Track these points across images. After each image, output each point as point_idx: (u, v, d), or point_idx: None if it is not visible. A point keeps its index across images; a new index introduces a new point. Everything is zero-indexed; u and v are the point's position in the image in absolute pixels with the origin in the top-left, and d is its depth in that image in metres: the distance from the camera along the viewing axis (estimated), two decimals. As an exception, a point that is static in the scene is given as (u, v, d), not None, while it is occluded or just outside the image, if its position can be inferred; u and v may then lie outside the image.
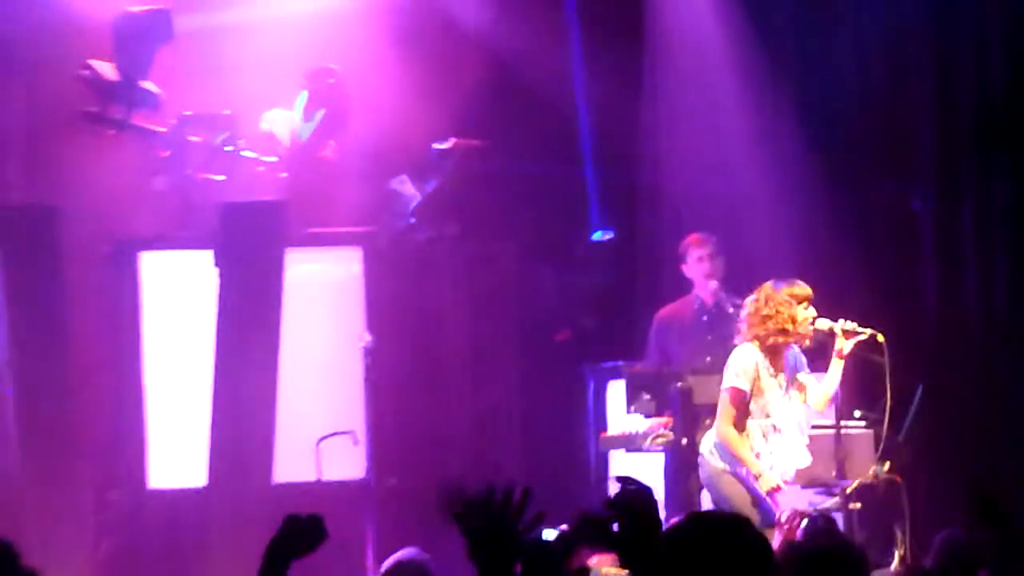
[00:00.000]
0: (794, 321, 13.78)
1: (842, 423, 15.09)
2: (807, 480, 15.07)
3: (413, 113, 17.02)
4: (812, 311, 13.94)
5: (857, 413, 15.53)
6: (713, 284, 15.54)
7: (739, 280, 15.56)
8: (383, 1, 17.38)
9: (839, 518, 14.43)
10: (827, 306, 15.54)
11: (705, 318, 15.58)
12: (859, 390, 15.65)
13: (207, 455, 15.41)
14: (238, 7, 16.87)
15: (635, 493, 6.39)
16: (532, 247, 17.75)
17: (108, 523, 15.52)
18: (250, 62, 16.60)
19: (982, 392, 16.84)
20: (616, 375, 15.98)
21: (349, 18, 17.10)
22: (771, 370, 13.91)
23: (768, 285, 13.99)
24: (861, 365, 15.39)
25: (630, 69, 17.74)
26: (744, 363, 13.88)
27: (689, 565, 5.44)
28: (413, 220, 16.82)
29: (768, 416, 13.89)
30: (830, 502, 14.86)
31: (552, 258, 17.75)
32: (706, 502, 14.36)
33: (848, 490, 14.90)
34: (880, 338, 14.22)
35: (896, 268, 17.58)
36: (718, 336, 15.05)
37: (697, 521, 5.71)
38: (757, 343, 13.88)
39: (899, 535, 15.06)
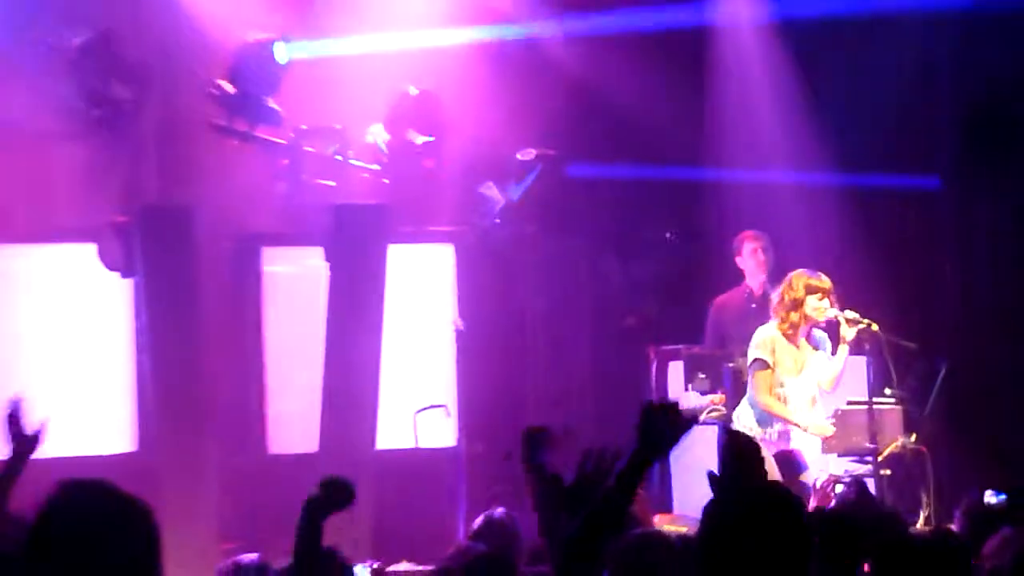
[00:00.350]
0: (808, 307, 14.01)
1: (874, 399, 15.14)
2: (843, 449, 15.23)
3: (499, 127, 17.23)
4: (826, 302, 14.09)
5: (888, 391, 15.57)
6: (760, 277, 15.66)
7: (783, 273, 15.27)
8: (478, 14, 17.22)
9: (871, 483, 14.43)
10: (862, 299, 15.74)
11: (754, 305, 15.60)
12: (894, 371, 15.73)
13: (319, 424, 15.38)
14: (347, 34, 16.79)
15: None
16: (602, 243, 17.86)
17: (234, 484, 15.52)
18: (357, 81, 16.60)
19: (996, 373, 16.94)
20: (675, 356, 16.17)
21: (447, 36, 17.00)
22: (787, 347, 14.11)
23: (794, 274, 14.23)
24: (893, 350, 15.61)
25: (693, 94, 17.64)
26: (762, 338, 14.21)
27: (739, 535, 5.31)
28: (498, 220, 16.92)
29: (782, 386, 14.12)
30: (863, 468, 14.96)
31: (619, 253, 17.74)
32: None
33: (879, 458, 15.02)
34: (875, 327, 14.40)
35: (921, 266, 17.73)
36: (765, 322, 14.85)
37: (748, 494, 5.72)
38: (777, 322, 14.14)
39: (924, 499, 15.19)
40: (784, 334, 14.17)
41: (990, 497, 11.45)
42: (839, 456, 15.26)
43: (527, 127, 17.33)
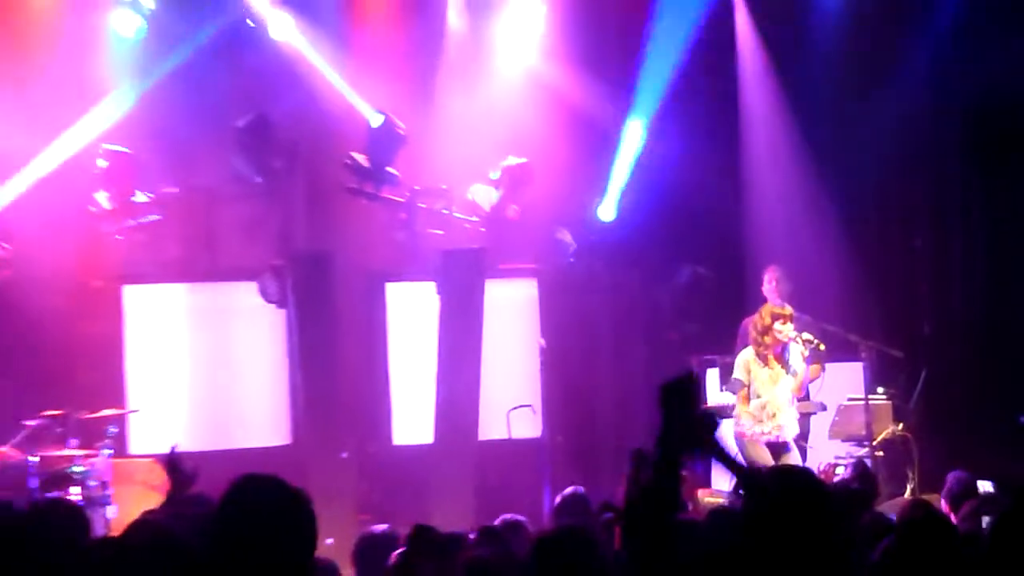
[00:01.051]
0: (772, 332, 14.00)
1: (869, 396, 15.27)
2: (846, 435, 15.39)
3: (572, 184, 17.19)
4: (789, 326, 14.02)
5: (880, 390, 15.64)
6: (779, 301, 14.98)
7: (801, 298, 15.41)
8: (553, 99, 17.22)
9: (868, 462, 14.25)
10: (857, 316, 15.91)
11: None
12: (885, 374, 15.95)
13: (433, 421, 15.30)
14: (450, 114, 16.82)
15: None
16: (652, 275, 17.62)
17: (368, 469, 15.58)
18: (459, 150, 16.58)
19: (966, 374, 16.85)
20: (712, 364, 16.09)
21: (529, 115, 17.05)
22: (760, 364, 14.04)
23: (763, 307, 14.30)
24: (887, 358, 15.82)
25: (727, 152, 17.59)
26: (741, 361, 14.20)
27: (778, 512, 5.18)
28: (571, 260, 16.87)
29: (759, 396, 14.01)
30: (862, 451, 14.98)
31: (666, 283, 17.49)
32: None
33: (874, 443, 15.09)
34: (822, 347, 14.30)
35: (904, 290, 17.57)
36: None
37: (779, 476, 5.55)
38: (753, 347, 14.12)
39: (910, 475, 15.09)
40: (759, 355, 14.10)
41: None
42: (843, 441, 15.40)
43: (592, 184, 17.38)
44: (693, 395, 5.76)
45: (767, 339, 14.08)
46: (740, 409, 14.18)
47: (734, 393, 14.36)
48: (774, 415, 14.08)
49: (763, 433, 14.07)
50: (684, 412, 5.66)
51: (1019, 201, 17.31)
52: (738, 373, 14.23)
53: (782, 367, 14.15)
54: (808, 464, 14.69)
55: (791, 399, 14.27)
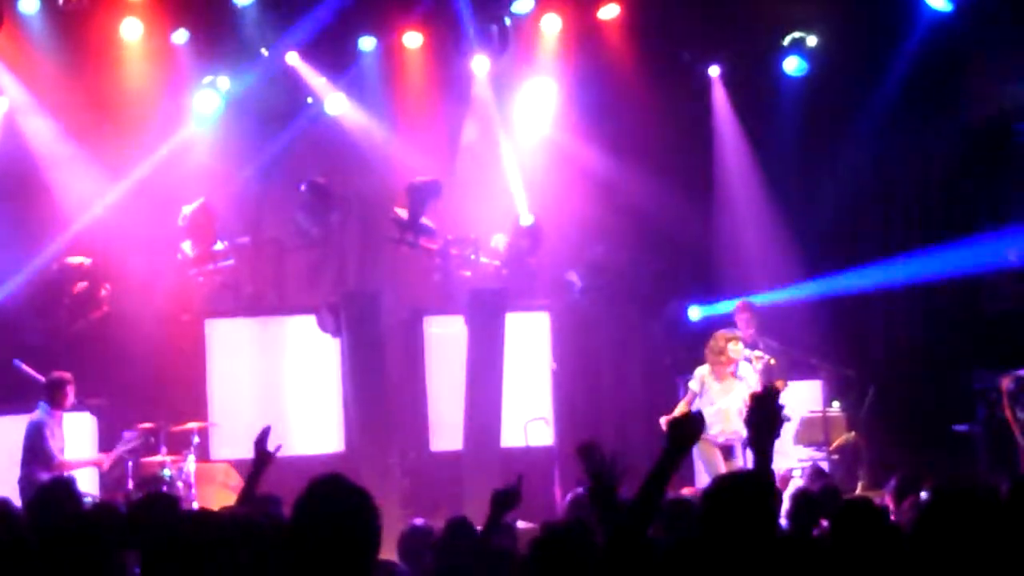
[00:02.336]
0: (727, 352, 13.93)
1: (826, 409, 15.34)
2: (808, 441, 15.33)
3: (578, 231, 17.24)
4: (740, 345, 13.94)
5: (835, 403, 15.69)
6: (750, 331, 15.20)
7: (768, 327, 15.52)
8: (564, 161, 17.12)
9: (825, 464, 14.54)
10: (815, 344, 15.80)
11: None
12: (839, 390, 16.02)
13: (463, 430, 15.24)
14: (477, 173, 16.90)
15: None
16: (646, 310, 17.58)
17: (409, 472, 15.53)
18: (486, 204, 16.64)
19: (908, 392, 16.72)
20: None
21: (544, 174, 17.01)
22: (715, 378, 13.94)
23: (717, 332, 14.15)
24: (841, 376, 15.85)
25: (706, 204, 17.58)
26: (696, 374, 14.05)
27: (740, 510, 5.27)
28: (578, 296, 16.89)
29: (711, 404, 13.87)
30: (820, 455, 15.03)
31: (658, 316, 17.50)
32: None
33: (831, 448, 15.14)
34: (772, 361, 14.33)
35: (856, 319, 17.51)
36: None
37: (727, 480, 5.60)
38: (709, 365, 14.02)
39: (860, 474, 15.14)
40: (713, 371, 13.99)
41: None
42: (805, 446, 15.37)
43: (595, 233, 17.34)
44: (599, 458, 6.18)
45: (722, 358, 13.97)
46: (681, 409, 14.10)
47: (681, 396, 14.37)
48: (727, 420, 13.98)
49: (716, 435, 13.99)
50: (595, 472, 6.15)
51: (951, 248, 17.25)
52: (693, 384, 14.14)
53: (734, 379, 14.10)
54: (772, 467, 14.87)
55: (742, 408, 14.17)
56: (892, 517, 8.73)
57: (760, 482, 5.52)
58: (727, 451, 14.08)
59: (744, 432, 14.09)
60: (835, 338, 16.67)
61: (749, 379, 14.11)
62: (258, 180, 16.21)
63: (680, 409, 14.11)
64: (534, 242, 16.52)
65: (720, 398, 14.06)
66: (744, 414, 13.51)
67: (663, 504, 6.87)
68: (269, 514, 7.37)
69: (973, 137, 16.99)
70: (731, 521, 5.29)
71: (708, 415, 14.04)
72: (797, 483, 12.84)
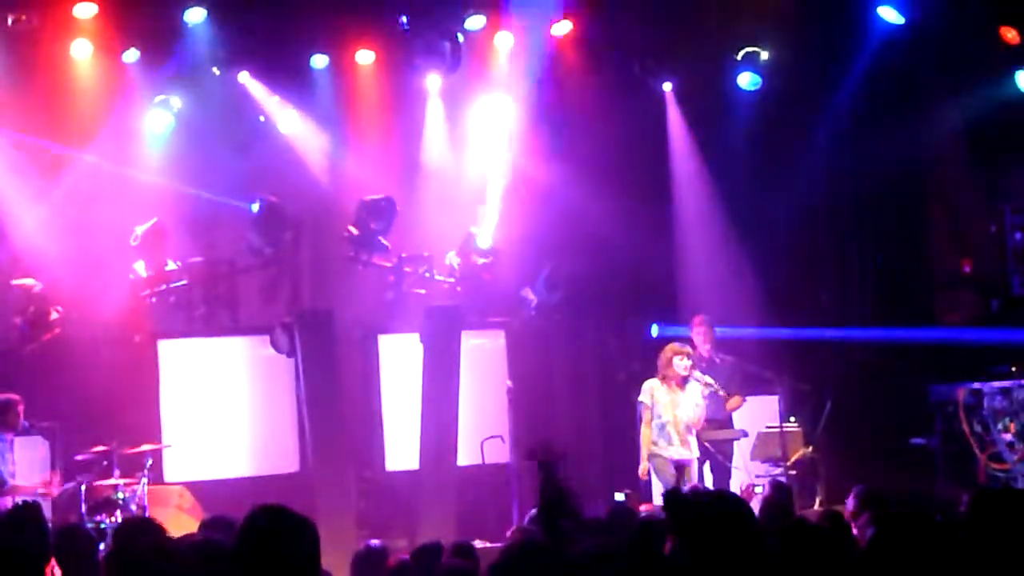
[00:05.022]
0: (672, 365, 14.16)
1: (784, 424, 15.23)
2: (765, 457, 15.30)
3: (533, 247, 17.12)
4: (686, 361, 14.18)
5: (792, 419, 15.64)
6: (707, 346, 15.34)
7: (724, 342, 15.63)
8: (517, 178, 17.07)
9: (783, 479, 14.39)
10: (772, 360, 15.86)
11: (704, 364, 15.03)
12: (796, 406, 15.98)
13: (419, 449, 15.25)
14: (431, 191, 16.83)
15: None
16: (602, 326, 17.68)
17: (365, 491, 15.62)
18: (440, 221, 16.58)
19: (865, 407, 16.85)
20: None
21: (498, 186, 16.95)
22: (664, 391, 14.17)
23: (667, 346, 14.40)
24: (798, 392, 15.87)
25: (661, 220, 17.52)
26: (646, 387, 14.31)
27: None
28: (533, 313, 16.80)
29: (660, 417, 14.11)
30: (777, 470, 15.00)
31: (615, 332, 17.58)
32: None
33: (788, 463, 15.08)
34: (721, 392, 14.62)
35: (814, 340, 17.30)
36: (709, 373, 14.80)
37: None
38: (659, 377, 14.25)
39: (819, 488, 15.13)
40: (663, 382, 14.24)
41: None
42: (762, 462, 15.35)
43: (550, 249, 17.22)
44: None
45: (669, 371, 14.20)
46: (644, 431, 14.27)
47: (640, 417, 14.41)
48: (674, 435, 14.13)
49: (669, 451, 14.15)
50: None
51: (904, 261, 17.61)
52: (643, 397, 14.31)
53: (682, 396, 14.24)
54: (731, 482, 14.88)
55: (691, 424, 14.33)
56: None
57: (732, 498, 5.68)
58: (681, 466, 14.21)
59: (695, 450, 14.32)
60: (791, 353, 16.70)
61: (698, 401, 14.29)
62: (210, 200, 16.09)
63: (644, 428, 14.33)
64: (488, 259, 16.47)
65: (667, 412, 14.24)
66: (693, 429, 13.69)
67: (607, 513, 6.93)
68: (219, 538, 7.34)
69: (926, 150, 17.12)
70: (710, 538, 5.38)
71: (655, 428, 14.20)
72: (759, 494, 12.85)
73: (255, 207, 15.70)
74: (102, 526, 13.22)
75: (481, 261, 16.46)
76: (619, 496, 15.16)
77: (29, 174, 15.51)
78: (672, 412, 14.25)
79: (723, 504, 5.52)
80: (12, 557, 5.88)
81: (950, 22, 15.98)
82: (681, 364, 14.25)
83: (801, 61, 17.00)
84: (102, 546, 10.81)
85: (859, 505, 10.04)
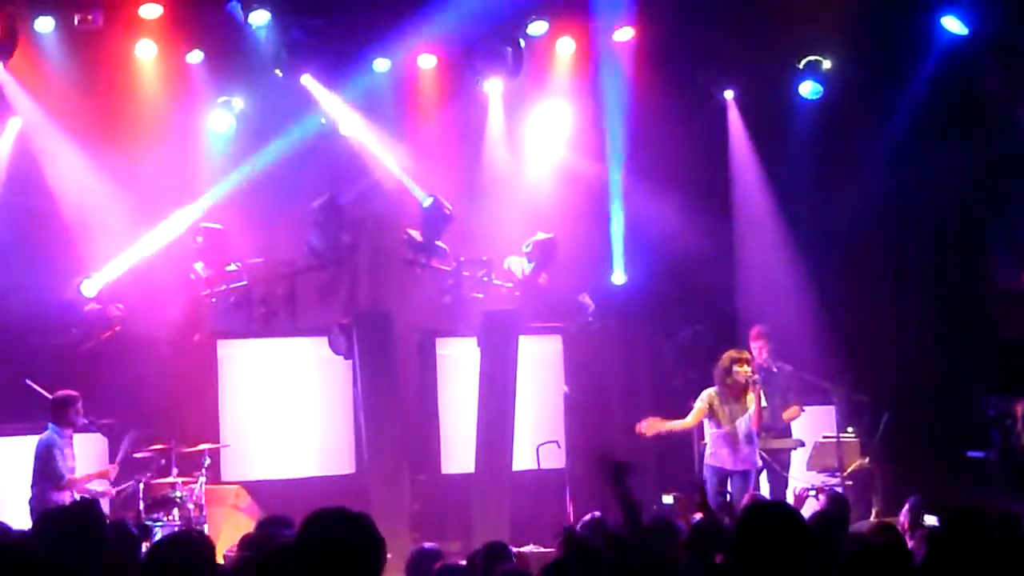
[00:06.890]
0: (731, 374, 14.07)
1: (840, 434, 15.20)
2: (821, 467, 15.27)
3: (592, 255, 17.18)
4: (746, 367, 14.09)
5: (849, 429, 15.60)
6: (764, 355, 15.26)
7: (783, 352, 15.55)
8: (576, 183, 17.14)
9: (841, 489, 14.30)
10: (830, 370, 15.72)
11: (762, 373, 14.82)
12: (853, 416, 15.94)
13: (475, 453, 15.35)
14: (490, 195, 16.88)
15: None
16: (658, 331, 17.54)
17: (419, 494, 15.60)
18: (497, 227, 16.66)
19: (922, 418, 16.68)
20: None
21: (557, 197, 16.99)
22: (723, 399, 14.10)
23: (725, 354, 14.30)
24: (855, 402, 15.80)
25: (720, 228, 17.49)
26: (703, 396, 14.25)
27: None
28: (591, 319, 16.78)
29: (720, 426, 14.09)
30: (834, 480, 14.91)
31: (670, 338, 17.34)
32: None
33: (845, 474, 15.03)
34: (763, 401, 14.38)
35: (870, 346, 17.47)
36: (767, 383, 14.83)
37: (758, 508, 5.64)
38: (717, 386, 14.18)
39: (874, 500, 15.14)
40: (720, 393, 14.17)
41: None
42: (818, 472, 15.30)
43: (608, 255, 17.21)
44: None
45: (728, 380, 14.13)
46: (686, 420, 14.33)
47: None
48: (734, 446, 14.12)
49: (723, 460, 14.15)
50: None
51: (963, 273, 17.50)
52: (699, 402, 14.28)
53: (742, 405, 14.18)
54: (787, 491, 14.83)
55: (751, 431, 14.28)
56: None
57: (790, 511, 5.54)
58: (742, 476, 14.15)
59: (758, 461, 14.25)
60: (848, 363, 16.61)
61: (754, 403, 14.20)
62: (271, 201, 16.16)
63: (690, 419, 14.34)
64: (547, 264, 16.45)
65: (726, 421, 14.18)
66: (755, 437, 13.63)
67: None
68: (279, 536, 7.38)
69: (989, 161, 16.99)
70: (765, 550, 5.28)
71: (713, 438, 14.13)
72: (812, 504, 12.85)
73: (316, 207, 15.76)
74: (159, 524, 13.29)
75: (539, 266, 16.42)
76: (667, 498, 15.07)
77: (93, 175, 15.59)
78: (732, 425, 14.20)
79: (776, 517, 5.41)
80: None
81: (1014, 33, 15.94)
82: (742, 371, 14.16)
83: (863, 70, 16.96)
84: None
85: (914, 517, 9.96)
